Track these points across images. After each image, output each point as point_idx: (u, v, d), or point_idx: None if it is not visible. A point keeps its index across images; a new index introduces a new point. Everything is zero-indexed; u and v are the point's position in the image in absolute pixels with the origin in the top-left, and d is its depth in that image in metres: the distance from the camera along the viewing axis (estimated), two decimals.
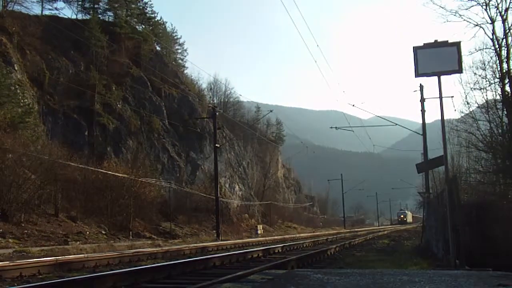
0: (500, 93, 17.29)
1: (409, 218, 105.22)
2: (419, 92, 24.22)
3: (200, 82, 61.62)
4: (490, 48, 17.48)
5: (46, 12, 41.28)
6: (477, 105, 18.71)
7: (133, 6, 47.94)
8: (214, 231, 32.22)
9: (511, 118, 16.87)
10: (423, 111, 24.31)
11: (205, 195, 37.19)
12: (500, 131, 17.55)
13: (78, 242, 19.43)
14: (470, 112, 19.05)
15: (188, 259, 11.96)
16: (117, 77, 39.26)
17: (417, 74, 9.70)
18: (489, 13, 17.46)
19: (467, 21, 17.79)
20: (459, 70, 9.66)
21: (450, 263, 9.68)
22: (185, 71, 57.54)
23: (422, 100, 24.12)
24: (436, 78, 9.73)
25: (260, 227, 42.57)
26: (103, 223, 25.36)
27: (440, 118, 9.89)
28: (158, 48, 49.65)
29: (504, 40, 17.11)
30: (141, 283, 8.33)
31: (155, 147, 38.66)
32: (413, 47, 9.74)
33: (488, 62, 17.50)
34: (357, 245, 22.95)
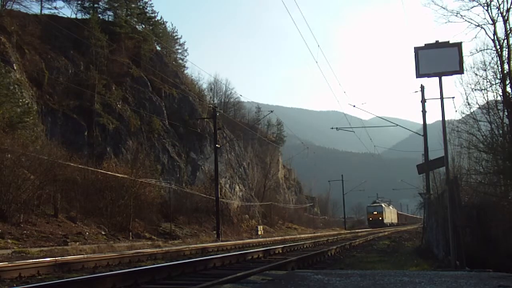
0: (501, 94, 17.25)
1: (390, 217, 79.25)
2: (420, 93, 24.19)
3: (200, 82, 61.76)
4: (491, 49, 17.44)
5: (45, 11, 41.29)
6: (478, 106, 18.66)
7: (133, 5, 47.85)
8: (214, 231, 32.20)
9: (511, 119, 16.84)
10: (424, 112, 24.28)
11: (205, 195, 37.19)
12: (500, 132, 17.51)
13: (77, 243, 19.37)
14: (471, 113, 18.99)
15: (188, 260, 11.91)
16: (117, 77, 39.19)
17: (418, 75, 9.70)
18: (491, 14, 17.44)
19: (469, 22, 17.79)
20: (460, 71, 9.65)
21: (450, 264, 9.66)
22: (186, 71, 57.53)
23: (423, 101, 24.08)
24: (437, 79, 9.71)
25: (260, 228, 42.51)
26: (103, 223, 25.31)
27: (441, 119, 9.87)
28: (158, 48, 49.58)
29: (506, 40, 17.07)
30: (141, 284, 8.29)
31: (155, 147, 38.59)
32: (414, 47, 9.73)
33: (489, 63, 17.46)
34: (357, 246, 22.90)
